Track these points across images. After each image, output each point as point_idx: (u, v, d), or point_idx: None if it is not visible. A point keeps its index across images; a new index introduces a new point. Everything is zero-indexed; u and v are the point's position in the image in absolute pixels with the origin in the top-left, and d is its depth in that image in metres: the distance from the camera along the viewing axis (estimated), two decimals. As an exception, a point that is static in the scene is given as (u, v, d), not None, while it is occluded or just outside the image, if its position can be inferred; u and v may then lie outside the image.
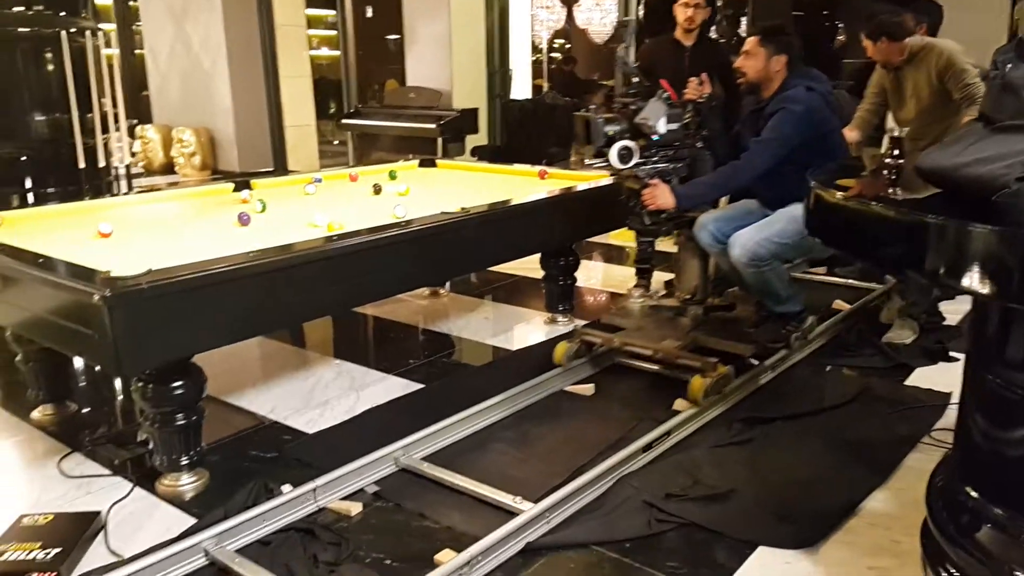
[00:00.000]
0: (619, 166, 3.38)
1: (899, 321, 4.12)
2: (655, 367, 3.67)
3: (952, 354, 3.85)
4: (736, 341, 3.60)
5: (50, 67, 4.63)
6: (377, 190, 3.97)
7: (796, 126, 3.41)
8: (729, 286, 4.10)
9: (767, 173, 3.45)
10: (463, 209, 3.36)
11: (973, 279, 1.62)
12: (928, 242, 1.71)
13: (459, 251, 3.45)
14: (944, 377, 3.59)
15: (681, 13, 4.49)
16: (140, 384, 2.61)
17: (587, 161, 3.71)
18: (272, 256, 2.71)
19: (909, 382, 3.61)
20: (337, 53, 12.60)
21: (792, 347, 3.77)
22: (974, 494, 2.06)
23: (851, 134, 4.09)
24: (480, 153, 7.07)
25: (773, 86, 3.55)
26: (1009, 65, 1.85)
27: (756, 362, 3.63)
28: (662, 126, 3.43)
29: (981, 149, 1.74)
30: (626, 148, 3.36)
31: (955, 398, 3.25)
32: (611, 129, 3.38)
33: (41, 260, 2.54)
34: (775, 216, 3.55)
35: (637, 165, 3.42)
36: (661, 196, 3.45)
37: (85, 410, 3.39)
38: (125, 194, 4.89)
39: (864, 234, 1.97)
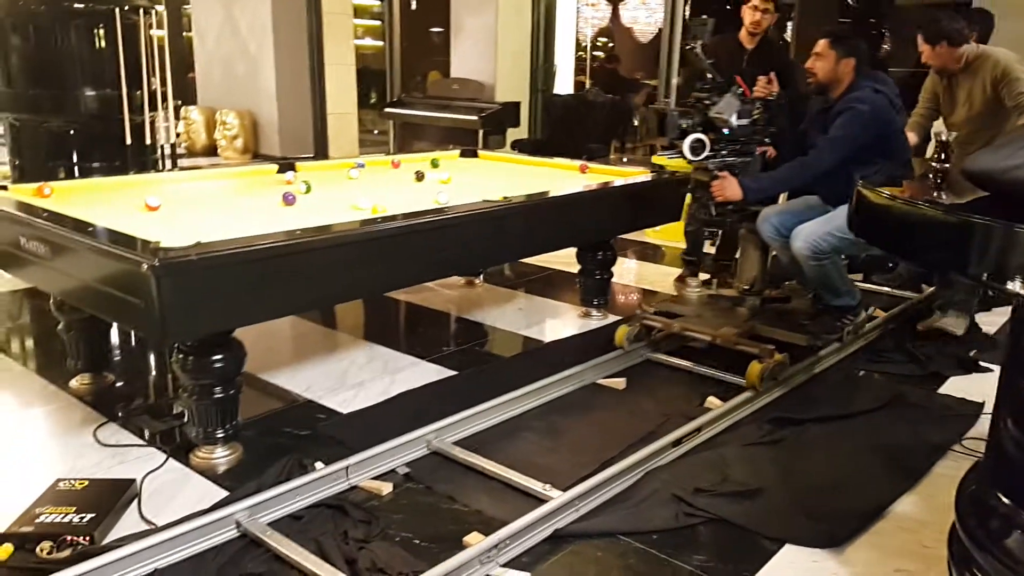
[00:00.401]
0: (691, 158, 3.60)
1: (952, 312, 4.16)
2: (688, 364, 3.69)
3: (985, 365, 3.83)
4: (792, 331, 3.73)
5: (102, 44, 4.70)
6: (419, 177, 4.00)
7: (863, 126, 3.55)
8: (785, 279, 4.20)
9: (830, 170, 3.54)
10: (505, 199, 3.38)
11: (1018, 281, 1.60)
12: (974, 243, 1.69)
13: (502, 239, 3.49)
14: (977, 387, 3.56)
15: (749, 16, 4.51)
16: (180, 356, 2.65)
17: (659, 152, 3.82)
18: (319, 234, 2.74)
19: (942, 391, 3.58)
20: (380, 44, 12.67)
21: (844, 340, 3.87)
22: (1005, 500, 2.03)
23: (908, 135, 4.11)
24: (520, 146, 7.08)
25: (841, 87, 3.71)
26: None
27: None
28: (734, 121, 3.65)
29: (1030, 153, 1.73)
30: (699, 140, 3.58)
31: (988, 408, 3.27)
32: (685, 122, 3.62)
33: (91, 228, 2.59)
34: (837, 212, 3.61)
35: (707, 158, 3.64)
36: (729, 188, 3.63)
37: (121, 382, 3.44)
38: (170, 171, 4.99)
39: (909, 234, 1.95)
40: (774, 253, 4.03)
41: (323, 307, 4.25)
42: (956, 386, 3.62)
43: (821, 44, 3.71)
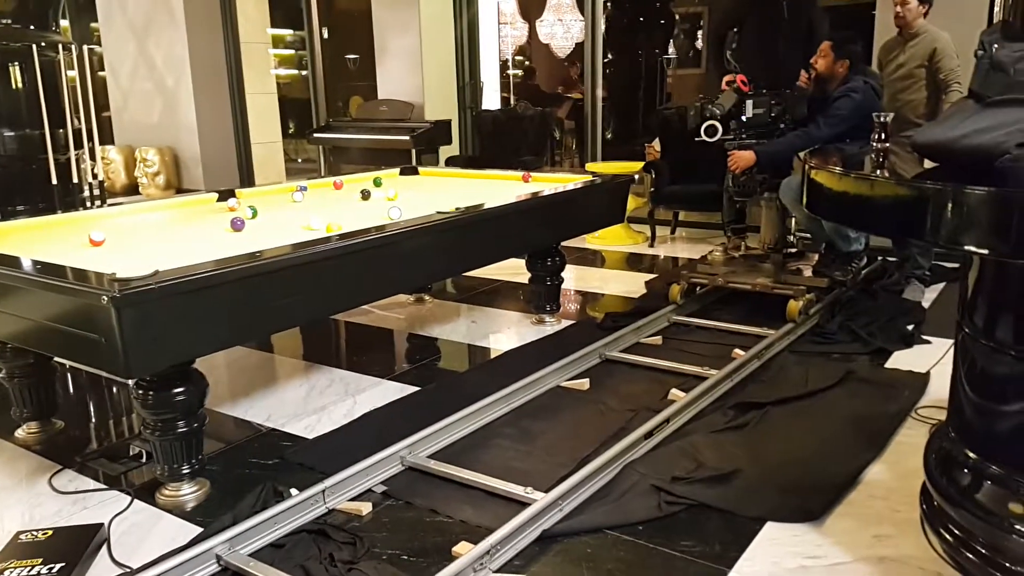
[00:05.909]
0: (706, 139, 4.46)
1: (911, 283, 4.84)
2: (650, 361, 3.76)
3: (925, 338, 4.00)
4: (813, 276, 4.62)
5: (19, 83, 4.55)
6: (365, 196, 3.97)
7: (855, 109, 4.34)
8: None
9: (826, 142, 4.28)
10: (457, 209, 3.38)
11: (974, 239, 1.68)
12: (927, 207, 1.77)
13: (462, 249, 3.55)
14: (921, 359, 3.71)
15: None
16: (140, 391, 2.57)
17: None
18: (283, 254, 2.70)
19: (888, 365, 3.72)
20: (295, 72, 12.56)
21: (857, 279, 4.66)
22: (972, 454, 2.12)
23: None
24: (454, 163, 7.08)
25: (836, 81, 4.57)
26: (996, 45, 1.93)
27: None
28: (749, 110, 4.53)
29: (977, 121, 1.81)
30: (711, 126, 4.44)
31: (934, 378, 3.41)
32: (707, 112, 4.47)
33: (41, 266, 2.50)
34: None
35: (723, 140, 4.46)
36: (742, 158, 4.54)
37: (72, 427, 3.32)
38: (100, 207, 4.83)
39: (865, 206, 2.03)
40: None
41: (288, 328, 4.16)
42: (901, 360, 3.76)
43: (824, 46, 4.56)
